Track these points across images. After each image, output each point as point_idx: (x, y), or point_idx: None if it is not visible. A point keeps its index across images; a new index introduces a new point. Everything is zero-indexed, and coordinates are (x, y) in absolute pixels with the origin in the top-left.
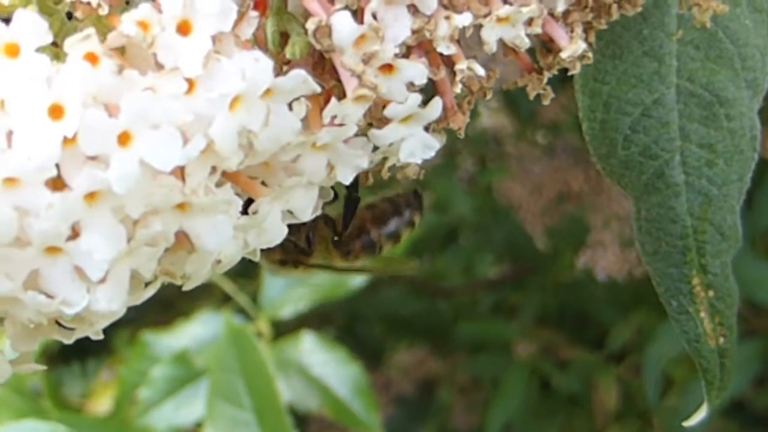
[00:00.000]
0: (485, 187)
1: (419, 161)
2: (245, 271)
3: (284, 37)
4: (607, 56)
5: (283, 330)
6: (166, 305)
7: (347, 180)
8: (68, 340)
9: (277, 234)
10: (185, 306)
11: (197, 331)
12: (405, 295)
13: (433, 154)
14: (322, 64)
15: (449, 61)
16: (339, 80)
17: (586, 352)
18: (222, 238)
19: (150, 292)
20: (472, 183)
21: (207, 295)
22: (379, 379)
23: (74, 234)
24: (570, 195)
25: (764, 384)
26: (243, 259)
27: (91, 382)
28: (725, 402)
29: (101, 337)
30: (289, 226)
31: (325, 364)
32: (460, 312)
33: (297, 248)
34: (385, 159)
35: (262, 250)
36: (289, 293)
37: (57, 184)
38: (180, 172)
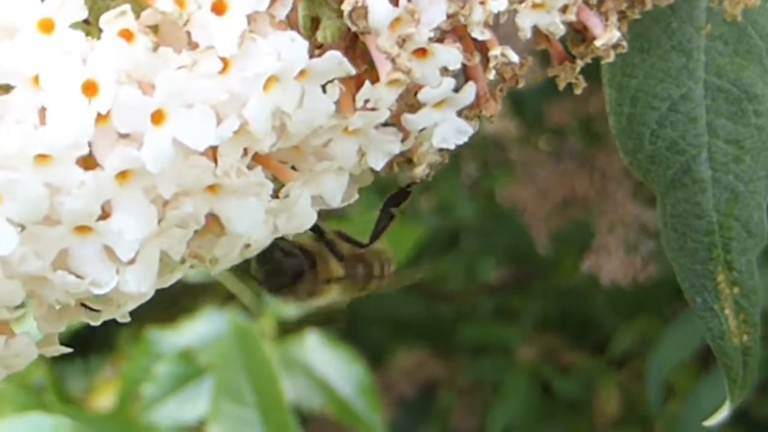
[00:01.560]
0: (488, 191)
1: (452, 147)
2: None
3: (315, 22)
4: (635, 49)
5: (285, 330)
6: (170, 302)
7: (378, 166)
8: (95, 322)
9: (307, 219)
10: (189, 303)
11: (201, 328)
12: (406, 298)
13: (466, 139)
14: (353, 48)
15: (483, 47)
16: (370, 65)
17: (588, 357)
18: (253, 221)
19: (178, 274)
20: (474, 187)
21: (211, 292)
22: (380, 380)
23: (104, 214)
24: (575, 199)
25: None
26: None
27: (94, 378)
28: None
29: (128, 320)
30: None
31: (329, 364)
32: (462, 315)
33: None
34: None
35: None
36: None
37: (88, 162)
38: (212, 153)
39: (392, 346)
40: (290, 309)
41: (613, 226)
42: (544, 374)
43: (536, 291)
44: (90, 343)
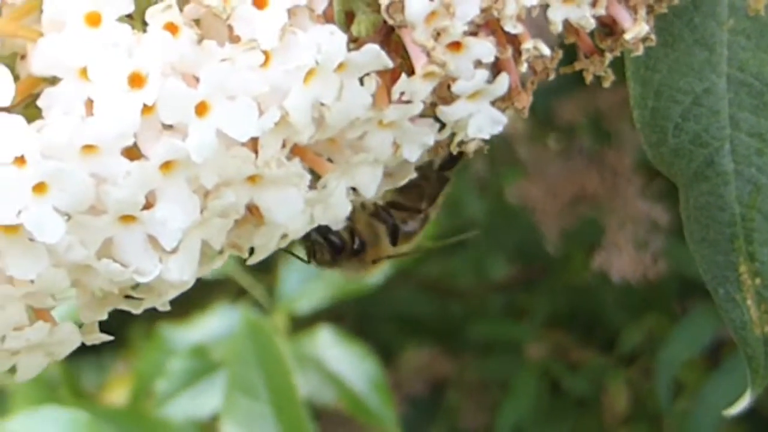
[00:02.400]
0: (497, 189)
1: (487, 136)
2: (261, 265)
3: (349, 17)
4: (658, 44)
5: (298, 326)
6: (182, 298)
7: (413, 157)
8: (136, 310)
9: (342, 210)
10: (201, 299)
11: (213, 324)
12: (416, 295)
13: (500, 128)
14: (387, 42)
15: (514, 41)
16: (404, 59)
17: (597, 354)
18: (292, 211)
19: (218, 263)
20: (483, 185)
21: (223, 288)
22: (389, 378)
23: (147, 204)
24: (585, 197)
25: None
26: None
27: (106, 374)
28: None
29: (168, 308)
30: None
31: (341, 359)
32: (471, 313)
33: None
34: (452, 135)
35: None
36: (305, 288)
37: (131, 153)
38: (252, 145)
39: (401, 343)
40: (303, 305)
41: (623, 223)
42: (553, 372)
43: (545, 288)
44: None
